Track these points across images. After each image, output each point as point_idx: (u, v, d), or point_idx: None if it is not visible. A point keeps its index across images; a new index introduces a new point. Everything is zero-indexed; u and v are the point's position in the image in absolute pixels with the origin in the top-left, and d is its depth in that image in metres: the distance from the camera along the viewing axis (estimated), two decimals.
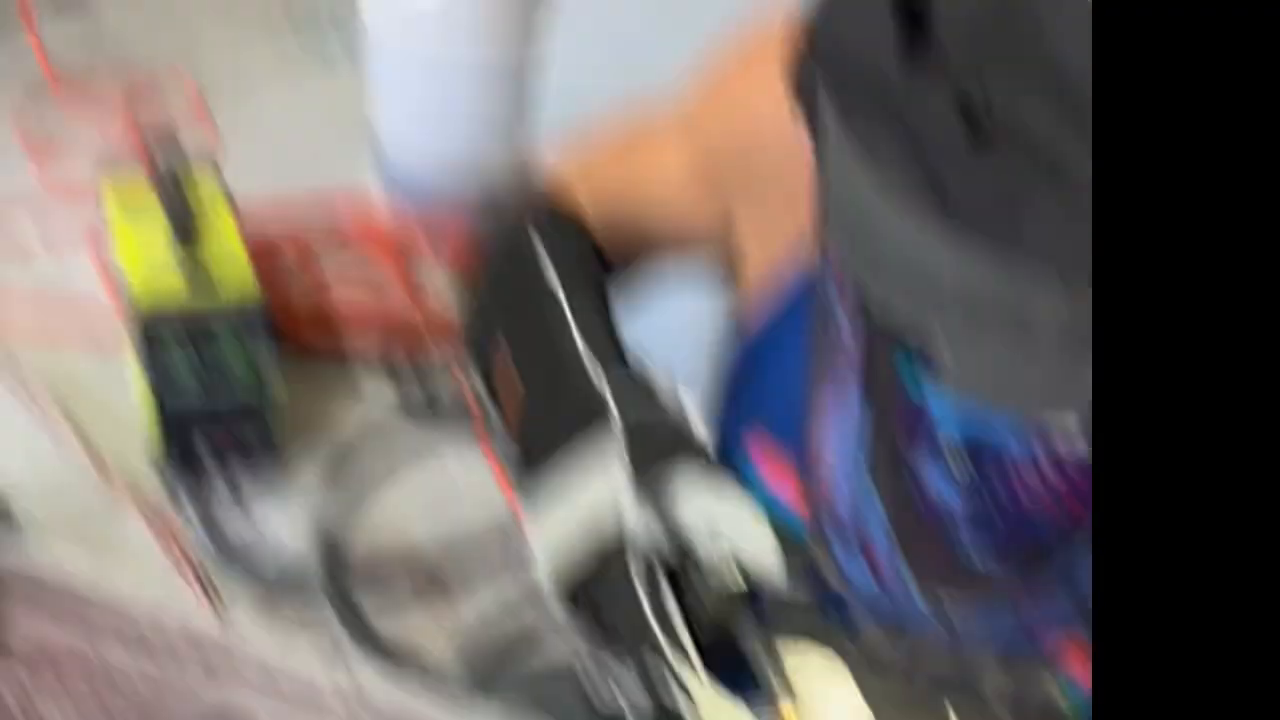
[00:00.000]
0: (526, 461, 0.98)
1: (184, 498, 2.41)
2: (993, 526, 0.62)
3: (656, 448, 0.90)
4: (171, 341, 2.37)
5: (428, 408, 2.63)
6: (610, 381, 0.95)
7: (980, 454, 0.60)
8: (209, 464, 2.43)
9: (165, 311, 2.33)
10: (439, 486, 2.56)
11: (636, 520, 0.89)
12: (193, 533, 2.38)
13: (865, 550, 0.70)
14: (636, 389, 0.96)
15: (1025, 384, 0.58)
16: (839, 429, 0.69)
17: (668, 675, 0.85)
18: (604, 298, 1.07)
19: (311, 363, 2.75)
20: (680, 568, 0.91)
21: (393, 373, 2.67)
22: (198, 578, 2.34)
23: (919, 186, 0.59)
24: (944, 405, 0.61)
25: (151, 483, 2.47)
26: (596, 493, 0.90)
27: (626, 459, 0.91)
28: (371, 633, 2.26)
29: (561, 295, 0.96)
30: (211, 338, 2.37)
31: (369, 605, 2.31)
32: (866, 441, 0.66)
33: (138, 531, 2.41)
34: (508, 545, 2.43)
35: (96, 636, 0.94)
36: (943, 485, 0.61)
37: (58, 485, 2.51)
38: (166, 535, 2.41)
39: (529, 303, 1.05)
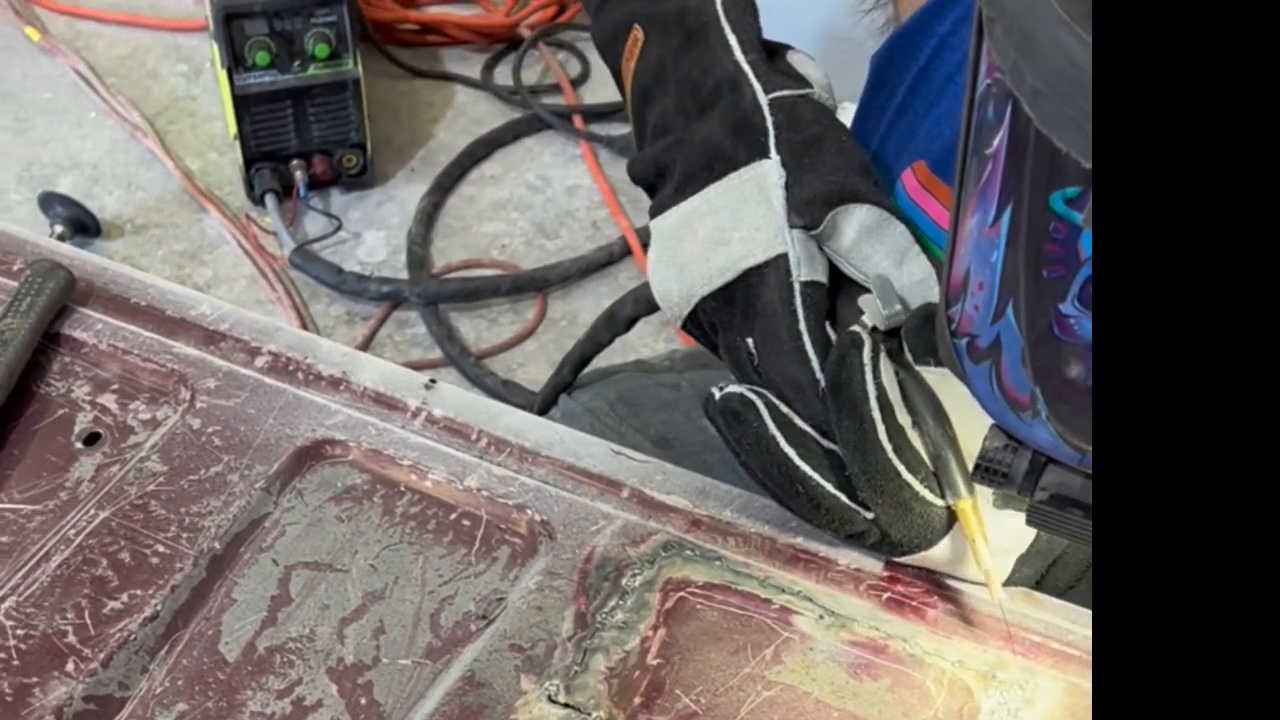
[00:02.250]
0: (656, 168, 0.90)
1: (271, 207, 2.40)
2: None
3: (821, 170, 0.84)
4: (251, 24, 2.38)
5: (519, 99, 2.60)
6: (752, 65, 0.87)
7: None
8: (296, 174, 2.41)
9: None
10: (534, 189, 2.55)
11: (796, 249, 0.84)
12: (279, 242, 2.38)
13: (997, 372, 0.66)
14: (782, 70, 0.89)
15: None
16: (982, 242, 0.65)
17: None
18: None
19: (407, 79, 2.73)
20: (838, 303, 0.86)
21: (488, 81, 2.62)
22: (284, 287, 2.34)
23: None
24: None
25: (238, 195, 2.48)
26: (740, 213, 0.85)
27: (787, 181, 0.86)
28: (459, 339, 2.27)
29: None
30: (292, 21, 2.44)
31: (458, 312, 2.33)
32: (1007, 262, 0.62)
33: (224, 239, 2.42)
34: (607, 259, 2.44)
35: (178, 348, 0.93)
36: (1083, 315, 0.58)
37: (147, 198, 2.51)
38: (254, 245, 2.41)
39: None
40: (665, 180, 0.87)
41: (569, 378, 1.16)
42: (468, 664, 0.79)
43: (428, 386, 0.93)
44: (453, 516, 0.87)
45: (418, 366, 2.22)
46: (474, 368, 2.25)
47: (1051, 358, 0.58)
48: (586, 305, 2.34)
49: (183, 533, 0.85)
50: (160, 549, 0.84)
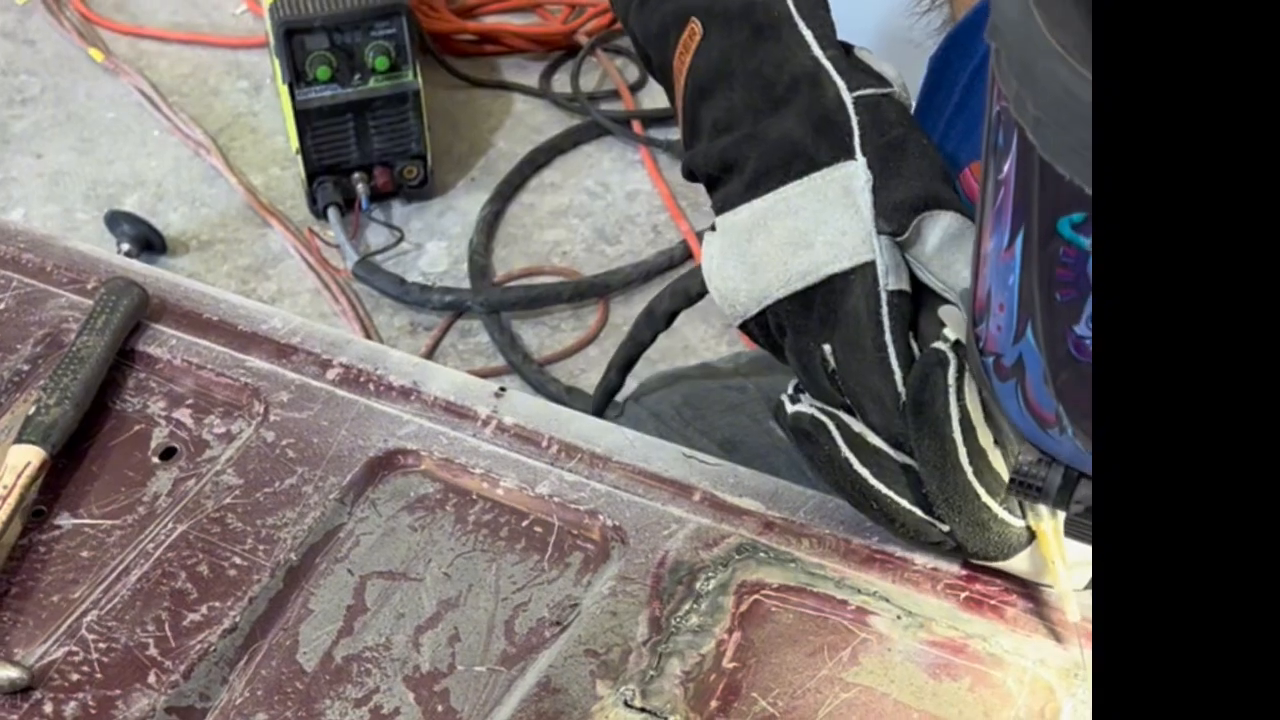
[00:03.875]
0: (722, 163, 0.88)
1: (334, 220, 2.42)
2: None
3: (906, 175, 0.82)
4: (311, 39, 2.40)
5: (578, 106, 2.60)
6: (832, 60, 0.84)
7: None
8: (358, 187, 2.42)
9: (306, 9, 2.37)
10: (593, 195, 2.56)
11: (884, 257, 0.82)
12: (342, 254, 2.39)
13: (1023, 390, 0.66)
14: (861, 68, 0.86)
15: None
16: (999, 264, 0.64)
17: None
18: None
19: (466, 89, 2.74)
20: (919, 313, 0.84)
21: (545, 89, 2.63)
22: (348, 300, 2.35)
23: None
24: None
25: (301, 209, 2.49)
26: (823, 215, 0.83)
27: (874, 185, 0.84)
28: (522, 347, 2.28)
29: None
30: (352, 34, 2.45)
31: (520, 320, 2.34)
32: (1023, 284, 0.62)
33: (288, 253, 2.44)
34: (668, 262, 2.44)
35: (251, 362, 0.94)
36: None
37: (211, 214, 2.53)
38: (317, 258, 2.43)
39: None
40: (732, 175, 0.85)
41: (617, 380, 1.16)
42: (543, 670, 0.80)
43: (498, 395, 0.93)
44: (525, 524, 0.87)
45: (481, 375, 2.22)
46: (537, 375, 2.25)
47: (1072, 377, 0.58)
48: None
49: (259, 545, 0.86)
50: (238, 561, 0.85)
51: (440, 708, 0.79)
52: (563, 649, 0.80)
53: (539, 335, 2.34)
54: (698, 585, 0.82)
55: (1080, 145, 0.52)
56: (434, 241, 2.49)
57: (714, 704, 0.78)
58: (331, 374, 0.95)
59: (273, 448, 0.91)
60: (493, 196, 2.52)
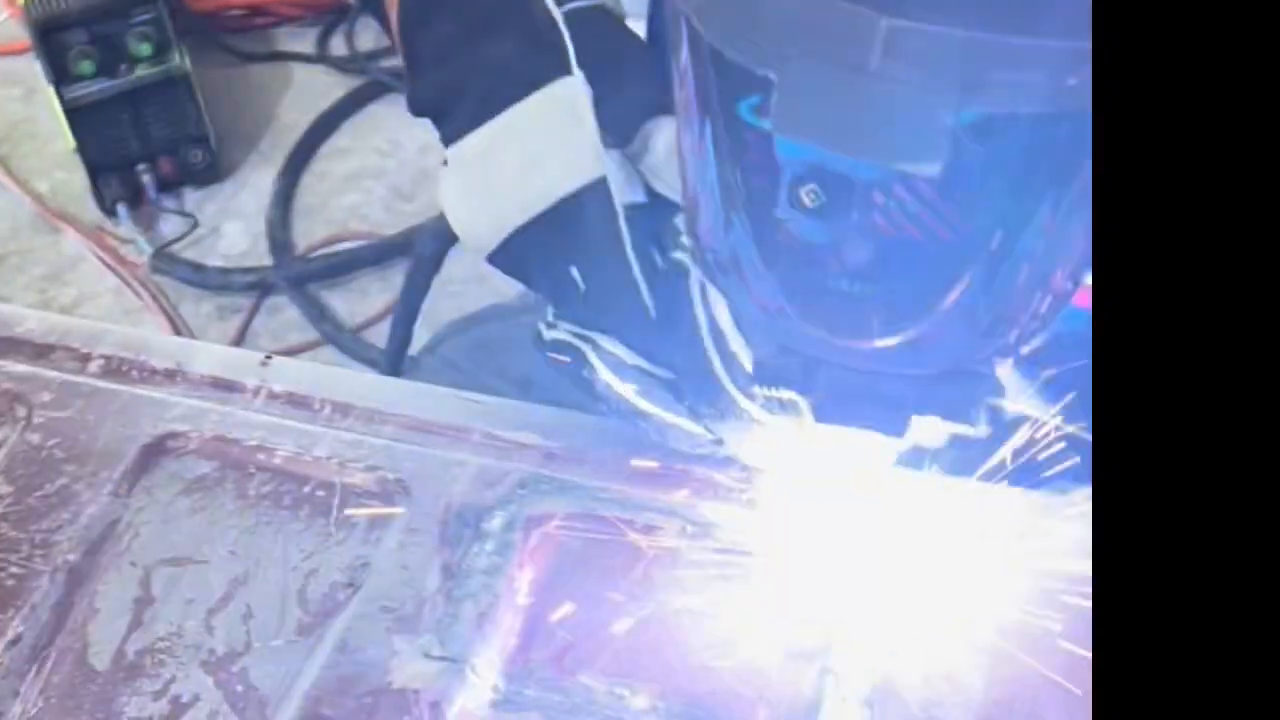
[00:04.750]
0: (443, 95, 0.86)
1: (124, 216, 2.35)
2: (853, 250, 0.58)
3: (626, 85, 0.81)
4: (70, 35, 2.44)
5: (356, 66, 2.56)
6: None
7: (831, 184, 0.56)
8: (143, 178, 2.36)
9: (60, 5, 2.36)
10: (385, 154, 2.52)
11: (615, 170, 0.81)
12: (137, 249, 2.33)
13: (742, 279, 0.65)
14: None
15: (863, 129, 0.53)
16: (696, 159, 0.64)
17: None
18: None
19: (241, 64, 2.68)
20: (655, 217, 0.83)
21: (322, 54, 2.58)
22: (150, 294, 2.30)
23: None
24: (788, 144, 0.56)
25: (90, 209, 2.42)
26: (551, 135, 0.81)
27: (595, 98, 0.82)
28: (333, 317, 2.25)
29: None
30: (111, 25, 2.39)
31: (329, 289, 2.30)
32: (721, 176, 0.61)
33: (83, 256, 2.37)
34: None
35: (8, 366, 0.92)
36: (801, 217, 0.57)
37: (1, 229, 2.46)
38: (113, 256, 2.37)
39: None
40: (456, 106, 0.83)
41: (403, 335, 1.13)
42: (340, 634, 0.78)
43: (264, 364, 0.91)
44: (306, 489, 0.86)
45: (296, 350, 2.20)
46: (353, 342, 2.22)
47: (783, 261, 0.58)
48: (457, 262, 2.31)
49: (35, 550, 0.83)
50: (15, 570, 0.82)
51: (240, 688, 0.77)
52: (357, 610, 0.79)
53: (349, 302, 2.31)
54: (485, 526, 0.82)
55: (743, 27, 0.51)
56: (230, 223, 2.44)
57: (513, 641, 0.77)
58: (92, 367, 0.92)
59: (39, 450, 0.88)
60: (283, 169, 2.47)
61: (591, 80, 0.79)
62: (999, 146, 0.51)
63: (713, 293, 0.74)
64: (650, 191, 0.79)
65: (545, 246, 0.80)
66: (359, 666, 0.77)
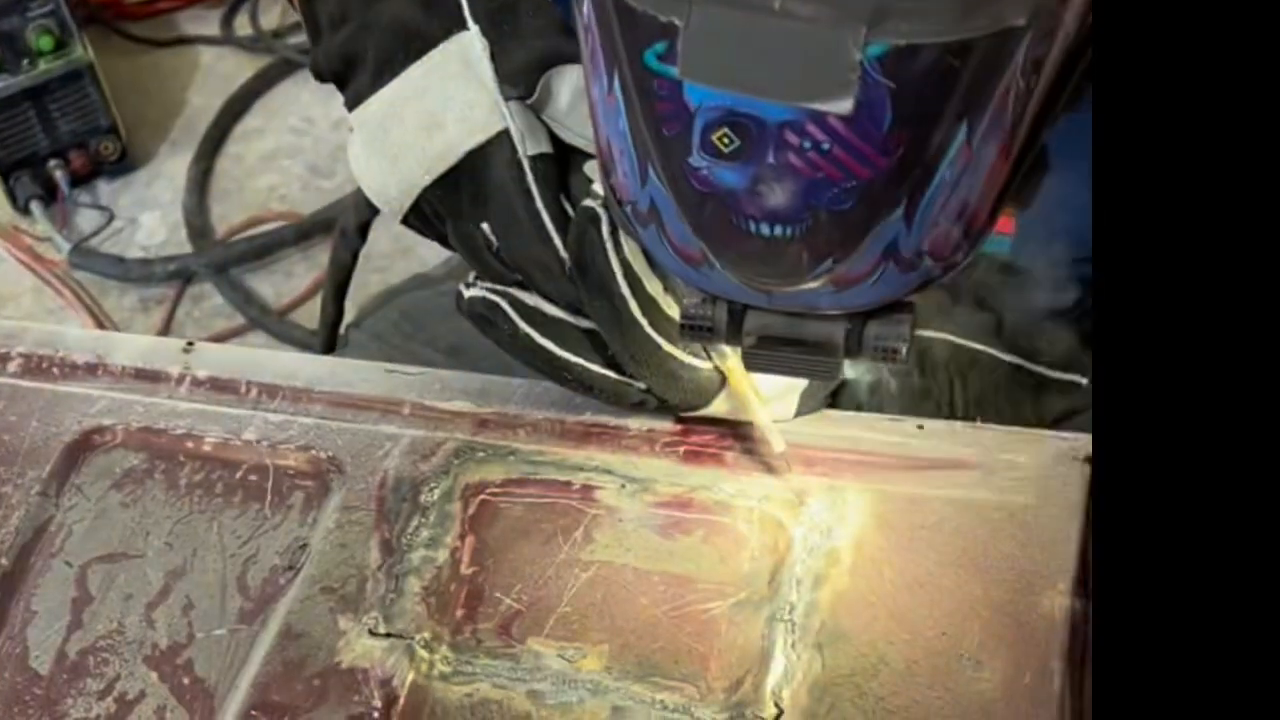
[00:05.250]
0: (343, 59, 0.85)
1: (38, 213, 2.32)
2: (771, 193, 0.58)
3: (523, 34, 0.80)
4: None
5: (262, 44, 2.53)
6: None
7: (744, 127, 0.55)
8: (55, 174, 2.33)
9: None
10: (299, 132, 2.49)
11: (517, 122, 0.80)
12: (55, 246, 2.30)
13: (662, 229, 0.65)
14: None
15: (771, 70, 0.53)
16: (606, 110, 0.63)
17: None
18: None
19: (147, 51, 2.65)
20: (568, 174, 0.83)
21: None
22: (71, 291, 2.27)
23: None
24: (697, 90, 0.55)
25: (4, 209, 2.39)
26: (449, 92, 0.80)
27: (491, 51, 0.81)
28: (259, 300, 2.22)
29: None
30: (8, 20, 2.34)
31: (252, 273, 2.28)
32: (633, 127, 0.60)
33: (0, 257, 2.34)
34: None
35: None
36: (716, 164, 0.56)
37: None
38: (30, 255, 2.33)
39: None
40: (357, 69, 0.82)
41: (334, 310, 1.12)
42: (283, 618, 0.77)
43: (186, 350, 0.90)
44: (238, 475, 0.84)
45: (224, 337, 2.17)
46: (279, 325, 2.20)
47: (702, 210, 0.57)
48: (380, 235, 2.29)
49: None
50: None
51: (186, 680, 0.76)
52: (298, 593, 0.78)
53: (274, 285, 2.28)
54: (422, 498, 0.81)
55: None
56: (147, 213, 2.41)
57: (459, 613, 0.77)
58: (11, 366, 0.90)
59: None
60: (197, 155, 2.44)
61: (488, 33, 0.78)
62: (908, 79, 0.50)
63: (627, 239, 0.74)
64: (556, 141, 0.78)
65: (454, 205, 0.79)
66: (305, 650, 0.76)
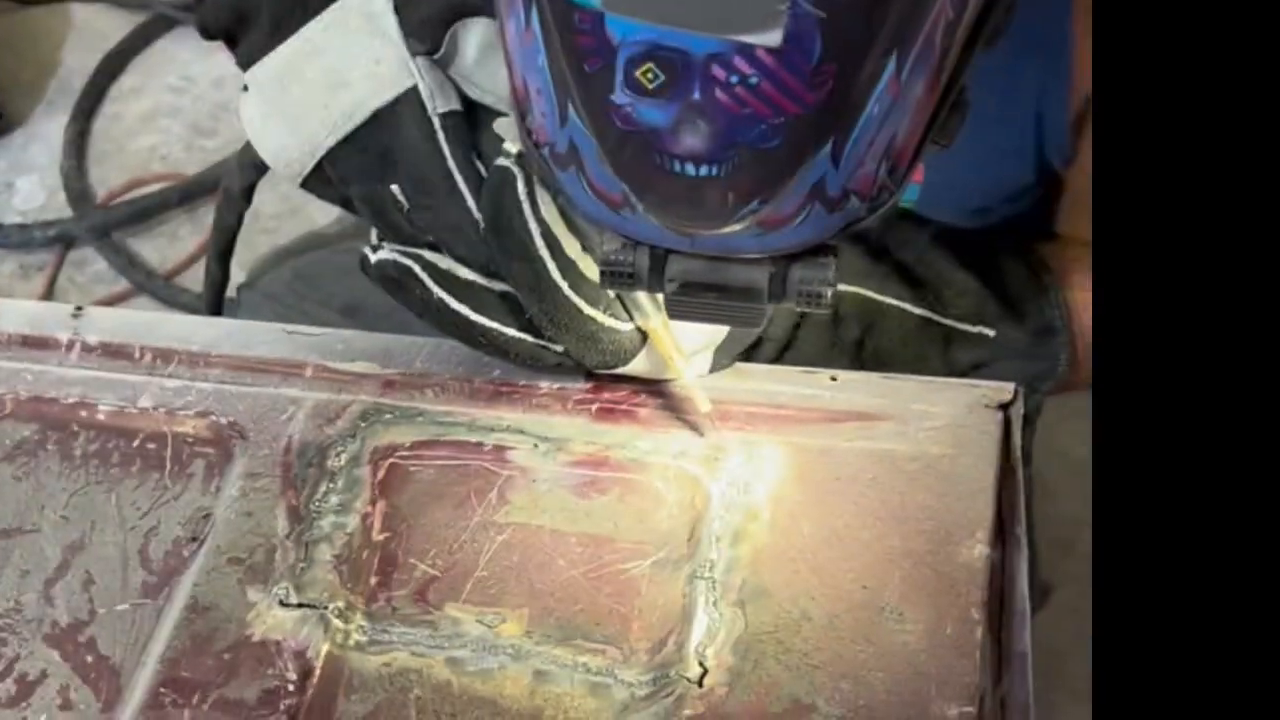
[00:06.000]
0: (235, 13, 0.81)
1: None
2: (696, 130, 0.56)
3: None
4: None
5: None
6: None
7: (669, 62, 0.53)
8: None
9: None
10: (178, 91, 2.44)
11: (426, 79, 0.77)
12: None
13: (581, 172, 0.63)
14: None
15: (698, 1, 0.51)
16: (523, 48, 0.61)
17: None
18: None
19: (17, 10, 2.57)
20: (472, 124, 0.80)
21: None
22: None
23: None
24: (620, 23, 0.53)
25: None
26: (353, 48, 0.77)
27: (396, 4, 0.78)
28: (143, 264, 2.17)
29: None
30: None
31: (136, 237, 2.23)
32: (552, 64, 0.58)
33: None
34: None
35: None
36: (639, 100, 0.54)
37: None
38: None
39: None
40: (250, 25, 0.79)
41: (219, 273, 1.08)
42: (189, 591, 0.75)
43: (75, 315, 0.86)
44: (135, 444, 0.82)
45: (108, 303, 2.12)
46: (167, 289, 2.15)
47: (624, 150, 0.55)
48: (267, 196, 2.25)
49: None
50: None
51: (90, 658, 0.74)
52: (204, 564, 0.76)
53: (159, 248, 2.23)
54: (329, 463, 0.79)
55: None
56: (23, 177, 2.34)
57: (373, 580, 0.75)
58: None
59: None
60: (73, 116, 2.37)
61: None
62: (838, 8, 0.49)
63: (543, 197, 0.72)
64: (464, 99, 0.76)
65: (361, 166, 0.77)
66: (214, 623, 0.73)
